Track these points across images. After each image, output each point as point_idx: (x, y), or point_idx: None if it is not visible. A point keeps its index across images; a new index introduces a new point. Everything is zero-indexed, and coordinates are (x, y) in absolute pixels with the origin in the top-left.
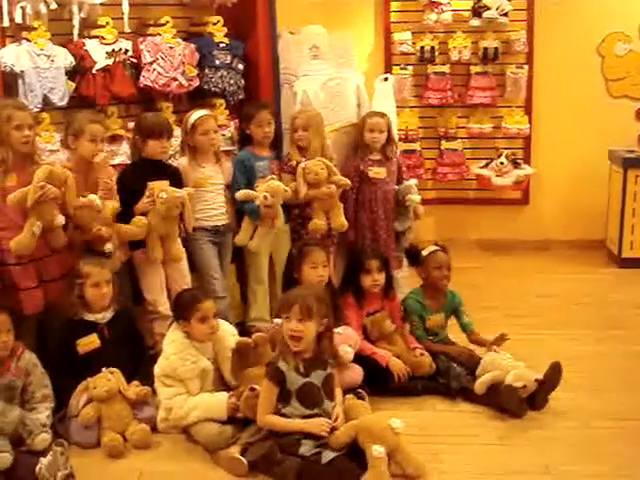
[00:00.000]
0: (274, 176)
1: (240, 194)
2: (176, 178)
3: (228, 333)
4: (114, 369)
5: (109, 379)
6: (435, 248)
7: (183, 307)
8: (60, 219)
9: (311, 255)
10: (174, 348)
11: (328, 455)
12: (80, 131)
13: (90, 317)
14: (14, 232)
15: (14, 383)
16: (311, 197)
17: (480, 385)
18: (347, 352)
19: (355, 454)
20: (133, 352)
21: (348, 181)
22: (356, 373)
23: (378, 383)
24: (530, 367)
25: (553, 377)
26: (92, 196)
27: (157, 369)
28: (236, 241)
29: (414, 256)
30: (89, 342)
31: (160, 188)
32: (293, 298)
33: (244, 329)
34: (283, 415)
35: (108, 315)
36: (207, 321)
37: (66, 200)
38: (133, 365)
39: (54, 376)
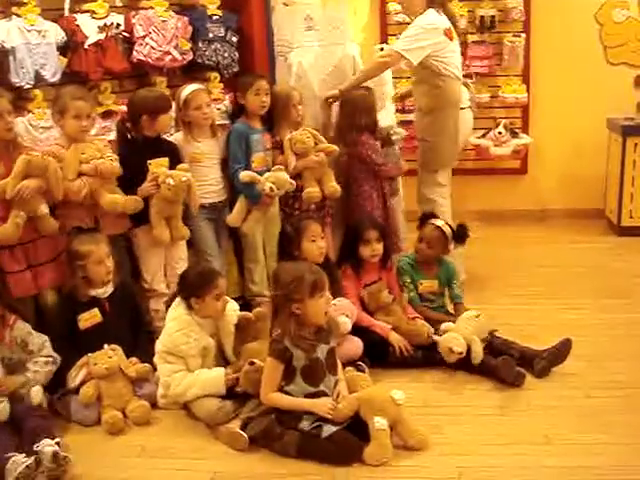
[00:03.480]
0: (281, 167)
1: (245, 176)
2: (174, 154)
3: (231, 309)
4: (115, 346)
5: (110, 356)
6: (431, 222)
7: (199, 285)
8: (43, 208)
9: (308, 229)
10: (177, 325)
11: (329, 429)
12: (64, 108)
13: (92, 292)
14: (3, 221)
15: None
16: (301, 168)
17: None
18: (345, 322)
19: (356, 427)
20: (133, 326)
21: (335, 147)
22: (356, 346)
23: (378, 355)
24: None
25: (561, 352)
26: None
27: (159, 345)
28: (228, 222)
29: (423, 222)
30: (90, 317)
31: (165, 173)
32: (322, 275)
33: (244, 303)
34: (286, 393)
35: (109, 290)
36: (221, 298)
37: (50, 188)
38: (133, 339)
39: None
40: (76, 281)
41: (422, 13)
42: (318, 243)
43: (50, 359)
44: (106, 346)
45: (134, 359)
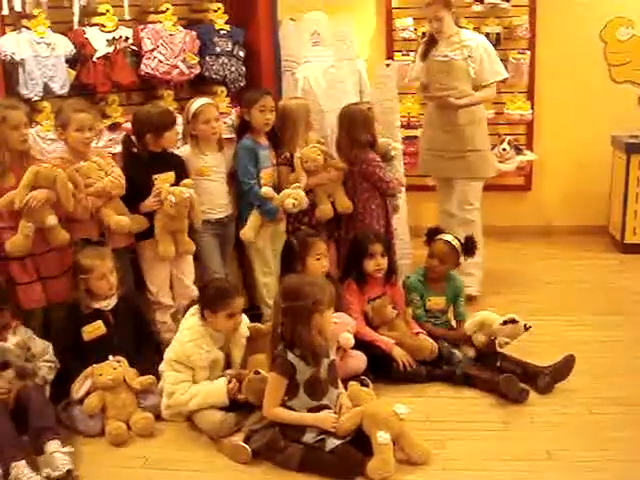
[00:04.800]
0: (300, 184)
1: (267, 192)
2: (181, 168)
3: (243, 322)
4: (120, 358)
5: (115, 367)
6: (440, 237)
7: (214, 299)
8: (51, 220)
9: (315, 246)
10: (190, 335)
11: (332, 442)
12: (66, 121)
13: (95, 305)
14: (14, 231)
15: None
16: (313, 185)
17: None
18: (348, 339)
19: (359, 441)
20: (137, 337)
21: (344, 164)
22: (360, 361)
23: (381, 370)
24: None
25: (564, 368)
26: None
27: (170, 353)
28: (242, 236)
29: (431, 237)
30: (94, 329)
31: (167, 190)
32: (332, 289)
33: (252, 314)
34: (289, 408)
35: (113, 302)
36: (234, 317)
37: (60, 200)
38: (137, 350)
39: (59, 363)
40: (79, 293)
41: (457, 32)
42: (322, 261)
43: (52, 364)
44: (111, 357)
45: (133, 370)
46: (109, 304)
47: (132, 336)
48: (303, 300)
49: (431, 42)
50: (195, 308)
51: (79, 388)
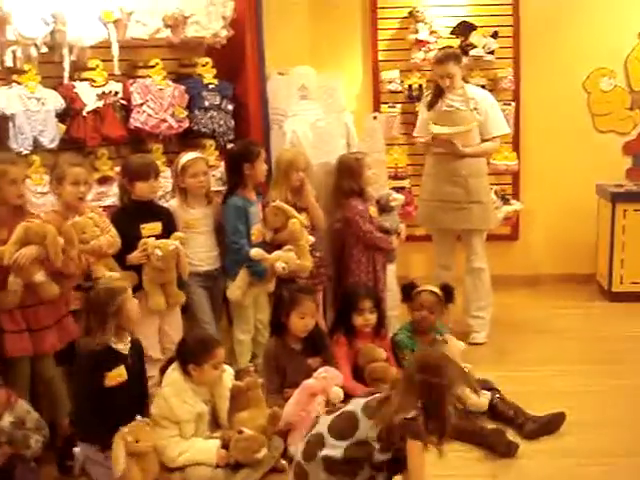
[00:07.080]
0: (291, 247)
1: (257, 254)
2: (168, 219)
3: (227, 374)
4: (147, 420)
5: (147, 430)
6: (423, 289)
7: (198, 353)
8: (39, 276)
9: (301, 305)
10: (173, 390)
11: None
12: (62, 175)
13: (114, 345)
14: (3, 284)
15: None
16: (278, 242)
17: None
18: (338, 393)
19: None
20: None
21: (302, 220)
22: None
23: None
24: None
25: (553, 424)
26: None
27: (154, 409)
28: (229, 295)
29: (408, 292)
30: (117, 375)
31: (153, 244)
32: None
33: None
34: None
35: (128, 344)
36: (220, 367)
37: (49, 256)
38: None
39: (79, 409)
40: (106, 333)
41: (462, 86)
42: (306, 320)
43: (44, 439)
44: (138, 417)
45: None
46: (126, 345)
47: (143, 381)
48: (436, 378)
49: (437, 93)
50: (176, 363)
51: (119, 459)
